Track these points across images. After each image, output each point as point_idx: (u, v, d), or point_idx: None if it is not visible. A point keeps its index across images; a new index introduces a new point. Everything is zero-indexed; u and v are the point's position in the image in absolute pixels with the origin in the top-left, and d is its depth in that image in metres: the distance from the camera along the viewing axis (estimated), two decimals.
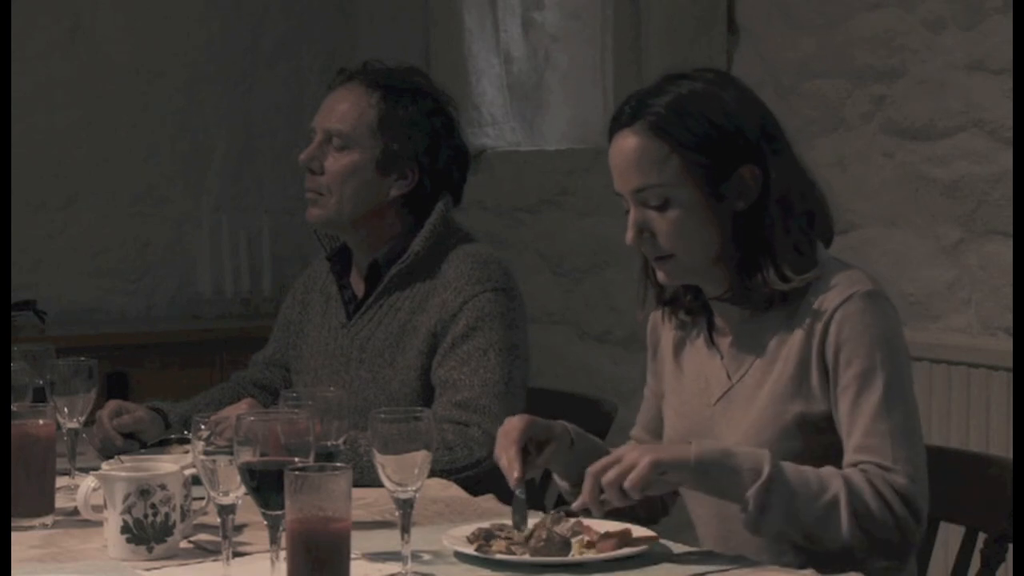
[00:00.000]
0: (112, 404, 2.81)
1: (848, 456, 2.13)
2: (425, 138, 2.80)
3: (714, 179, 2.18)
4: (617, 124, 2.23)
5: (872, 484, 2.07)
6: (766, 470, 2.04)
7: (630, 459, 2.05)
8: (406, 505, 1.93)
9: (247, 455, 1.86)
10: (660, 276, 2.25)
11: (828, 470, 2.09)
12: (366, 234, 2.82)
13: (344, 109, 2.79)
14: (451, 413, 2.63)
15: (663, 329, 2.40)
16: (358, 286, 2.86)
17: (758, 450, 2.08)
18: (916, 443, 2.14)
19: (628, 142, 2.20)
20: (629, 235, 2.22)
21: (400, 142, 2.78)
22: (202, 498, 2.09)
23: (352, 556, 1.82)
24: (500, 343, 2.69)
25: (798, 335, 2.19)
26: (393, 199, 2.80)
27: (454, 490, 2.46)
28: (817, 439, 2.18)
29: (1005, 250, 3.49)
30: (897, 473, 2.08)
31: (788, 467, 2.07)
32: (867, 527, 2.06)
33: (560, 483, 2.33)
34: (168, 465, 2.13)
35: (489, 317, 2.69)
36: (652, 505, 2.37)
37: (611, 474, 2.04)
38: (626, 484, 2.03)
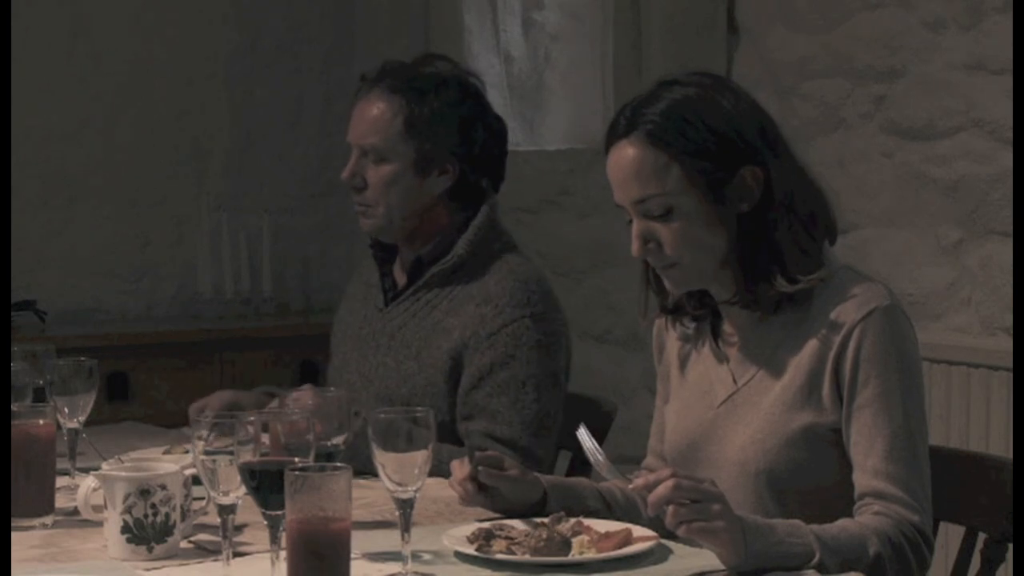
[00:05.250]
0: (225, 395, 2.74)
1: (865, 479, 2.12)
2: (455, 130, 2.80)
3: (716, 184, 2.16)
4: (614, 135, 2.20)
5: (903, 534, 2.07)
6: (817, 555, 1.98)
7: (714, 512, 1.91)
8: (406, 505, 1.93)
9: (247, 455, 1.86)
10: (668, 285, 2.24)
11: (857, 528, 2.06)
12: (415, 231, 2.83)
13: (372, 121, 2.79)
14: (491, 447, 2.61)
15: (668, 334, 2.39)
16: (400, 276, 2.88)
17: (800, 530, 2.00)
18: (927, 469, 2.15)
19: (626, 153, 2.17)
20: (635, 247, 2.19)
21: (432, 140, 2.78)
22: (202, 498, 2.09)
23: (352, 556, 1.82)
24: (538, 374, 2.70)
25: (811, 345, 2.17)
26: (439, 194, 2.81)
27: None
28: (823, 450, 2.17)
29: (1005, 250, 3.49)
30: (916, 511, 2.09)
31: (828, 539, 2.01)
32: (904, 571, 2.07)
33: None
34: (168, 465, 2.13)
35: (527, 346, 2.70)
36: None
37: (684, 512, 1.91)
38: (680, 530, 1.93)
